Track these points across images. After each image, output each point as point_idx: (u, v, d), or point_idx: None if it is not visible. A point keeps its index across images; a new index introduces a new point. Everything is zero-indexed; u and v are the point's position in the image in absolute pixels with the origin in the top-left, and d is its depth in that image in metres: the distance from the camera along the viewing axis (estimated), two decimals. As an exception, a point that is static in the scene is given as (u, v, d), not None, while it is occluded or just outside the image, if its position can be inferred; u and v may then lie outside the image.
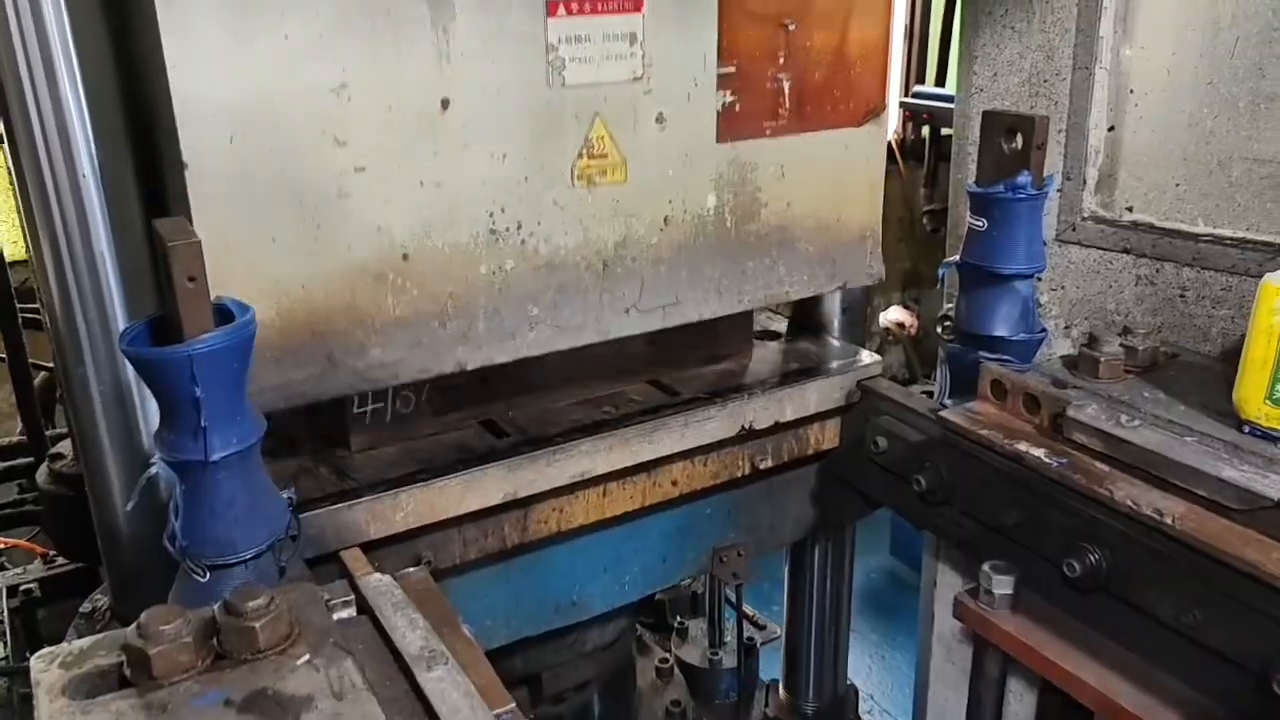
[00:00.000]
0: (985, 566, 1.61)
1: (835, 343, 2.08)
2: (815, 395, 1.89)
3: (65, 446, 2.23)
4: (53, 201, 1.33)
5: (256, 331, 1.14)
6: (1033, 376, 1.65)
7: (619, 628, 2.03)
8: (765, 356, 2.01)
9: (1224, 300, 1.79)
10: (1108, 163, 1.97)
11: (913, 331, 5.75)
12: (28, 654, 2.38)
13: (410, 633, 1.11)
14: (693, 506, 1.87)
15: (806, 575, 2.37)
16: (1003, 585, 1.60)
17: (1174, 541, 1.31)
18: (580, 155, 1.46)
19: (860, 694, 2.62)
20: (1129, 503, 1.37)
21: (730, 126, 1.56)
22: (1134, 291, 1.92)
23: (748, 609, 2.60)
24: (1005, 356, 1.68)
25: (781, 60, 1.63)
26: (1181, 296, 1.85)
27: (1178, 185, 1.89)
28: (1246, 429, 1.44)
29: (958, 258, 1.75)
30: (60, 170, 1.32)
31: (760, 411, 1.83)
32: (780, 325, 2.16)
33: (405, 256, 1.44)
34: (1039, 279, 1.79)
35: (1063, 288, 2.05)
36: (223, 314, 1.10)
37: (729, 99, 1.60)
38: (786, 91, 1.60)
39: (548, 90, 1.46)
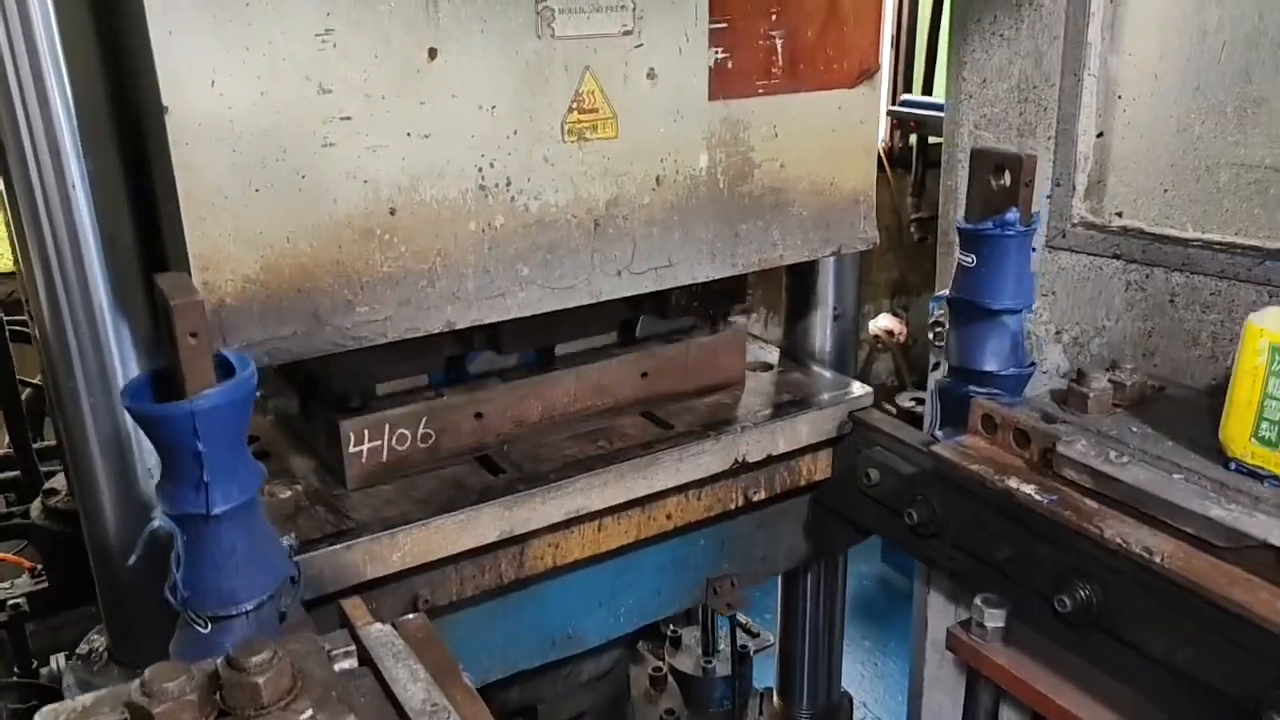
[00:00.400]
0: (978, 600, 1.75)
1: (826, 374, 2.24)
2: (807, 427, 2.01)
3: (59, 481, 2.18)
4: (42, 213, 1.38)
5: (255, 385, 1.23)
6: (1022, 411, 1.79)
7: (614, 658, 2.19)
8: (758, 387, 2.15)
9: (1213, 305, 1.92)
10: (1097, 169, 2.10)
11: (901, 339, 5.78)
12: (16, 670, 2.32)
13: (412, 685, 1.19)
14: (686, 538, 2.01)
15: (800, 583, 2.51)
16: (994, 619, 1.73)
17: (1163, 579, 1.45)
18: (570, 110, 1.50)
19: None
20: (1119, 540, 1.50)
21: (722, 84, 1.63)
22: (1124, 297, 2.06)
23: (741, 617, 2.61)
24: (995, 390, 1.83)
25: (774, 17, 1.76)
26: (1171, 301, 1.99)
27: (1166, 191, 2.02)
28: (1233, 466, 1.57)
29: (948, 292, 1.93)
30: (50, 181, 1.37)
31: (753, 444, 1.95)
32: (772, 356, 2.33)
33: (392, 211, 1.50)
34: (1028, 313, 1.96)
35: (1053, 294, 2.20)
36: (223, 366, 1.20)
37: (721, 55, 1.72)
38: (779, 49, 1.67)
39: (537, 41, 1.54)
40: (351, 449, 1.70)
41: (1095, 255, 2.05)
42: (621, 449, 1.84)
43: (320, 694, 1.06)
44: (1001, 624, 1.72)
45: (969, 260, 1.82)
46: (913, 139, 5.33)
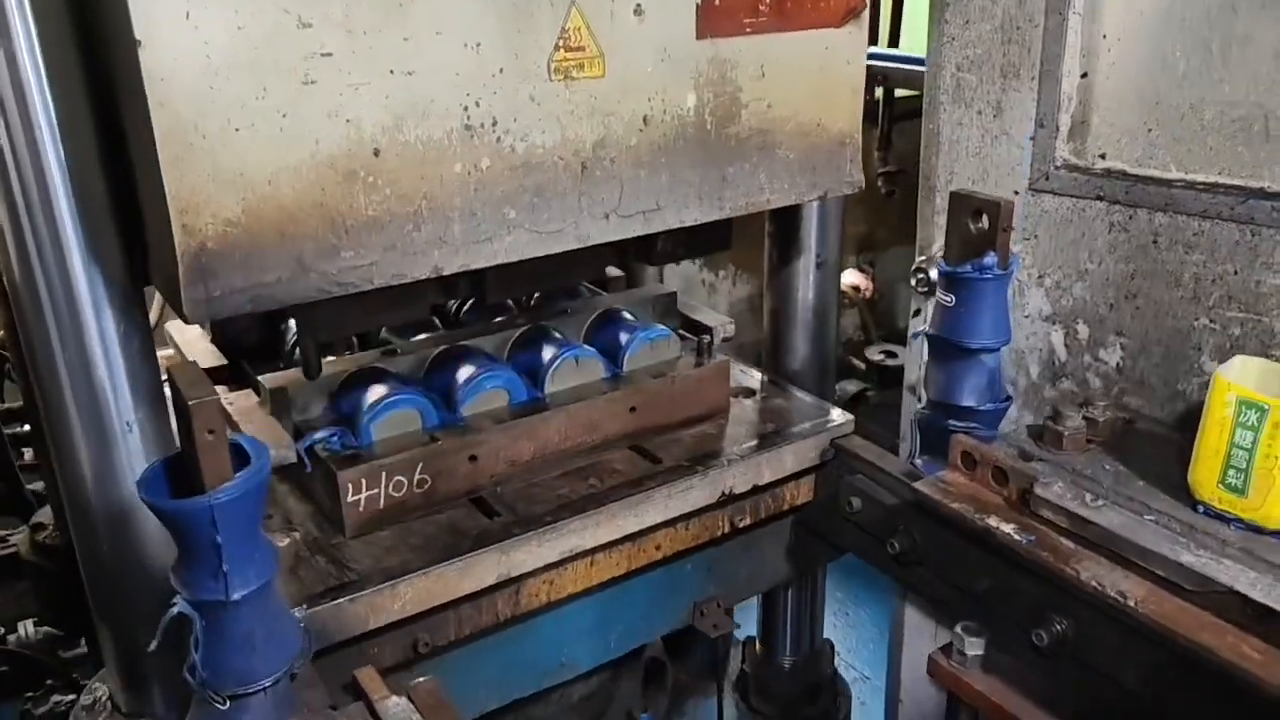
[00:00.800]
0: (958, 629, 1.92)
1: (807, 399, 2.39)
2: (791, 457, 2.18)
3: (46, 514, 2.16)
4: (8, 158, 1.38)
5: (269, 472, 1.29)
6: (1001, 449, 1.98)
7: (603, 678, 2.36)
8: (742, 416, 2.31)
9: (1196, 245, 2.02)
10: (1081, 109, 2.18)
11: (868, 295, 5.82)
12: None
13: None
14: (674, 565, 2.17)
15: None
16: (974, 647, 1.89)
17: (1136, 620, 1.63)
18: (557, 47, 1.54)
19: (831, 648, 3.00)
20: (1095, 583, 1.66)
21: (710, 22, 1.70)
22: (1107, 239, 2.16)
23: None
24: (972, 424, 2.01)
25: (762, -48, 1.64)
26: (1154, 242, 2.08)
27: (1150, 131, 2.10)
28: (1201, 509, 1.75)
29: (928, 328, 2.08)
30: (15, 124, 1.36)
31: (739, 477, 2.10)
32: (754, 381, 2.47)
33: (376, 152, 1.57)
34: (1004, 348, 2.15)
35: (1035, 237, 2.30)
36: (236, 451, 1.28)
37: (708, -9, 1.62)
38: (767, -15, 1.61)
39: (521, -26, 1.48)
40: (349, 498, 1.81)
41: (1078, 198, 2.15)
42: (613, 487, 2.00)
43: (345, 775, 1.23)
44: (981, 652, 1.88)
45: (948, 300, 1.98)
46: (879, 92, 5.29)
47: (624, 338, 2.23)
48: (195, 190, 1.39)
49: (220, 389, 2.06)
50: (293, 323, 2.15)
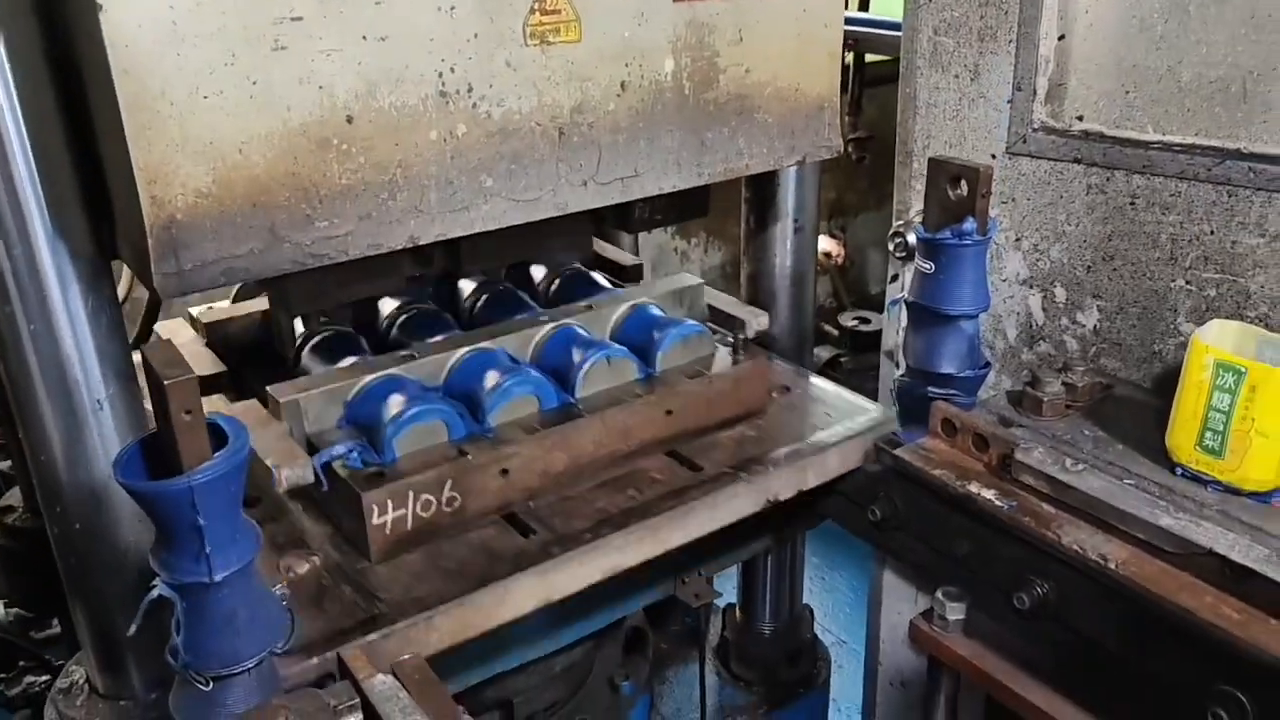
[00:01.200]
0: (939, 593, 1.94)
1: (845, 394, 2.25)
2: (837, 459, 2.05)
3: (15, 496, 2.10)
4: None
5: (249, 451, 1.26)
6: (981, 416, 2.00)
7: (585, 647, 2.28)
8: (779, 415, 2.16)
9: (1173, 206, 2.05)
10: (1058, 72, 2.20)
11: (839, 261, 5.82)
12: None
13: None
14: None
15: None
16: (955, 611, 1.91)
17: (1117, 583, 1.65)
18: (532, 11, 1.55)
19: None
20: (1075, 547, 1.69)
21: None
22: (1084, 201, 2.18)
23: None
24: (952, 391, 2.01)
25: (738, -89, 1.63)
26: (1131, 204, 2.10)
27: (1128, 93, 2.13)
28: (1179, 471, 1.80)
29: (906, 294, 2.09)
30: None
31: (784, 482, 1.98)
32: (789, 377, 2.32)
33: (350, 119, 1.53)
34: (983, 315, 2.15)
35: (1013, 200, 2.32)
36: (214, 431, 1.25)
37: (684, -48, 1.60)
38: (743, -54, 1.58)
39: (495, -65, 1.46)
40: (375, 521, 1.67)
41: (1056, 160, 2.16)
42: (654, 498, 1.87)
43: (331, 756, 1.21)
44: (962, 616, 1.90)
45: (927, 267, 1.98)
46: (850, 57, 5.28)
47: (656, 335, 2.07)
48: (163, 160, 1.36)
49: (217, 398, 1.91)
50: (299, 323, 2.03)
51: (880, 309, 2.75)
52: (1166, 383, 1.92)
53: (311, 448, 1.77)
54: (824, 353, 5.31)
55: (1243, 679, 1.50)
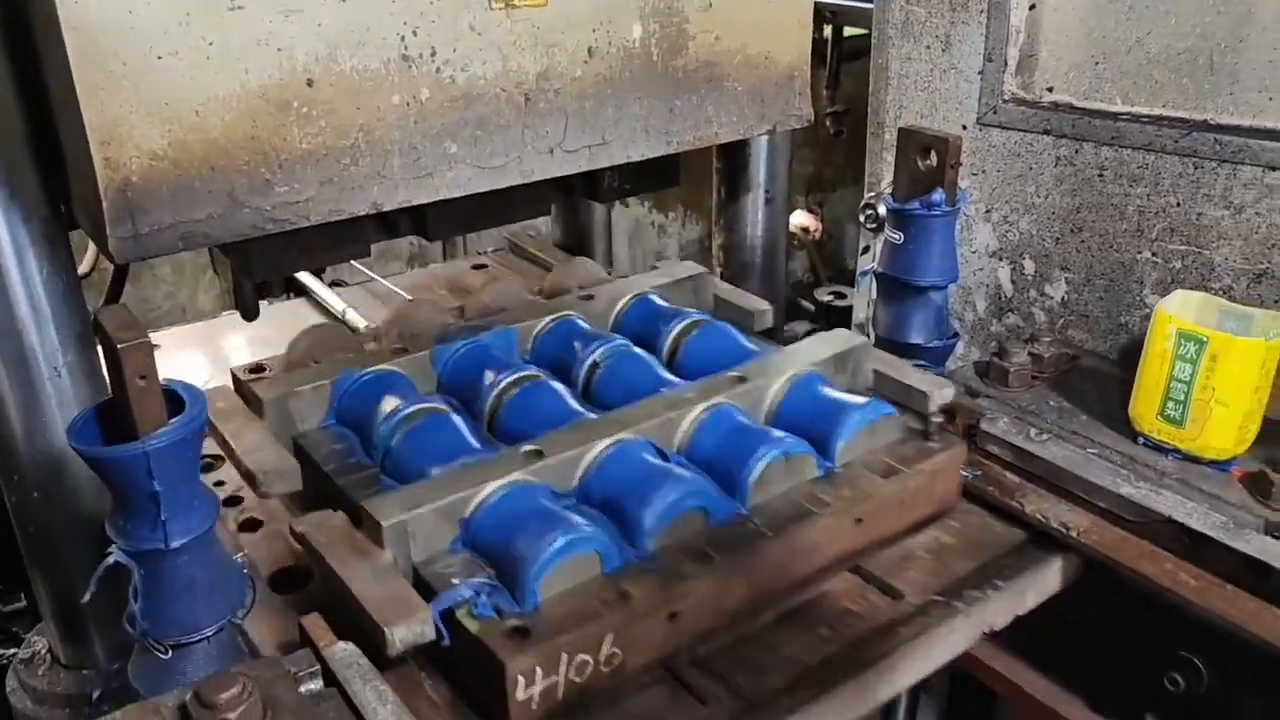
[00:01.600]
0: None
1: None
2: (1058, 576, 1.69)
3: None
4: None
5: (205, 417, 1.24)
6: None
7: None
8: (970, 515, 1.77)
9: (1140, 178, 2.06)
10: (1029, 43, 2.21)
11: (816, 236, 5.82)
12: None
13: (381, 708, 1.21)
14: None
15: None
16: None
17: (1079, 551, 1.68)
18: None
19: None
20: (1039, 515, 1.70)
21: None
22: (1053, 173, 2.19)
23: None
24: (920, 361, 1.98)
25: None
26: (1100, 176, 2.11)
27: (1097, 64, 2.13)
28: (1141, 440, 1.82)
29: (876, 265, 2.08)
30: None
31: (1002, 609, 1.61)
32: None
33: (310, 82, 1.52)
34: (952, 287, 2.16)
35: (983, 171, 2.33)
36: (171, 398, 1.23)
37: (652, -85, 1.58)
38: (713, -92, 1.56)
39: (455, -108, 1.40)
40: (520, 695, 1.30)
41: (1026, 131, 2.15)
42: (853, 640, 1.49)
43: (291, 722, 1.20)
44: None
45: (897, 238, 1.98)
46: (827, 31, 5.24)
47: (837, 419, 1.65)
48: (117, 121, 1.33)
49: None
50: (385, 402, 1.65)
51: (856, 284, 2.76)
52: (1131, 354, 1.93)
53: (418, 580, 1.40)
54: (800, 328, 5.32)
55: (1199, 644, 1.54)
